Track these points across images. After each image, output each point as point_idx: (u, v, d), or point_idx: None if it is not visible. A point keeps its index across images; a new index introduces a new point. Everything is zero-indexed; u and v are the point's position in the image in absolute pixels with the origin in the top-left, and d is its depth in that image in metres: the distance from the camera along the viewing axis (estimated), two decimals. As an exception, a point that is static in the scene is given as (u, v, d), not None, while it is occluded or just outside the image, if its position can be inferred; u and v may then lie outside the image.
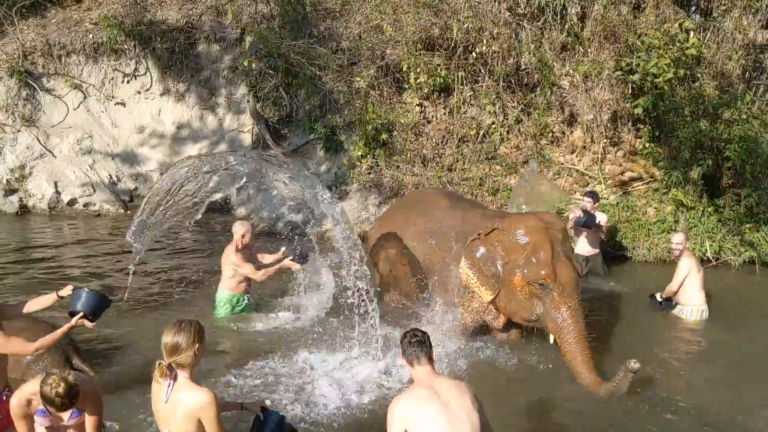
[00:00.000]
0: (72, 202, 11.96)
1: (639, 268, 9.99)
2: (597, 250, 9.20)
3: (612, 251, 10.18)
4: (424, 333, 3.59)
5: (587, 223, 8.73)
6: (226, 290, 6.96)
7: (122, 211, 11.99)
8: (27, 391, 3.77)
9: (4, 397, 4.23)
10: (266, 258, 7.24)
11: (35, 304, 4.52)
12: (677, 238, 7.83)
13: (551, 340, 5.87)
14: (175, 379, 3.26)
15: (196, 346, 3.27)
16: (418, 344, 3.49)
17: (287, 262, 6.95)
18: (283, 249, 7.20)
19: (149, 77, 13.23)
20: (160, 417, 3.37)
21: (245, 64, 12.16)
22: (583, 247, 9.15)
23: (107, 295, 4.76)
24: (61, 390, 3.53)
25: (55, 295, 4.55)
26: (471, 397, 3.41)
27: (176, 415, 3.24)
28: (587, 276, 8.88)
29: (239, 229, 6.85)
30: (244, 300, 7.04)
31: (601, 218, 9.12)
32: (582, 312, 5.71)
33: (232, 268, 6.82)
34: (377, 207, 10.84)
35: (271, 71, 12.11)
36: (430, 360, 3.51)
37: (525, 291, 5.85)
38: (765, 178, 10.26)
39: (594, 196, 9.28)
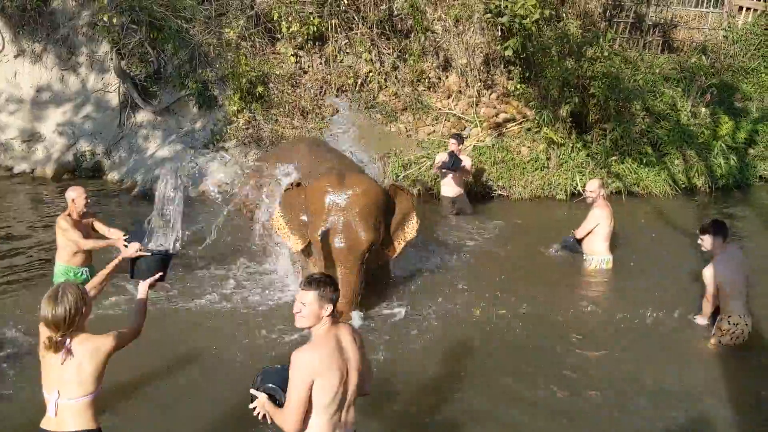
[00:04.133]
0: (-75, 175, 10.94)
1: (516, 205, 10.35)
2: (462, 191, 9.51)
3: (490, 191, 10.52)
4: (333, 277, 3.36)
5: (453, 165, 8.98)
6: (61, 263, 6.14)
7: (-18, 182, 11.08)
8: None
9: None
10: (111, 232, 6.20)
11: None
12: (591, 185, 7.69)
13: None
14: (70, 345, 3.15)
15: (83, 309, 3.15)
16: (333, 290, 3.19)
17: (121, 242, 5.58)
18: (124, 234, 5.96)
19: (0, 38, 12.21)
20: (51, 381, 3.18)
21: (105, 19, 11.39)
22: (449, 189, 9.47)
23: None
24: None
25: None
26: (360, 346, 3.31)
27: (75, 368, 3.13)
28: (457, 215, 9.39)
29: (70, 194, 6.07)
30: (82, 274, 6.10)
31: (466, 162, 9.37)
32: (346, 280, 5.68)
33: (63, 236, 6.04)
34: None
35: (134, 26, 11.42)
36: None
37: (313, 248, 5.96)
38: (627, 112, 10.82)
39: (458, 138, 9.49)
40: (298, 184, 6.09)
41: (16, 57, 12.26)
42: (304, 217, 6.02)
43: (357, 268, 5.74)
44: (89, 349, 3.15)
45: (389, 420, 4.64)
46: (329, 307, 3.15)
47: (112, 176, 11.39)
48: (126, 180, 11.09)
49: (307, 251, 6.11)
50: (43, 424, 3.19)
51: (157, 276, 3.87)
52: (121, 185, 11.08)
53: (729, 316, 5.55)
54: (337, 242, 5.70)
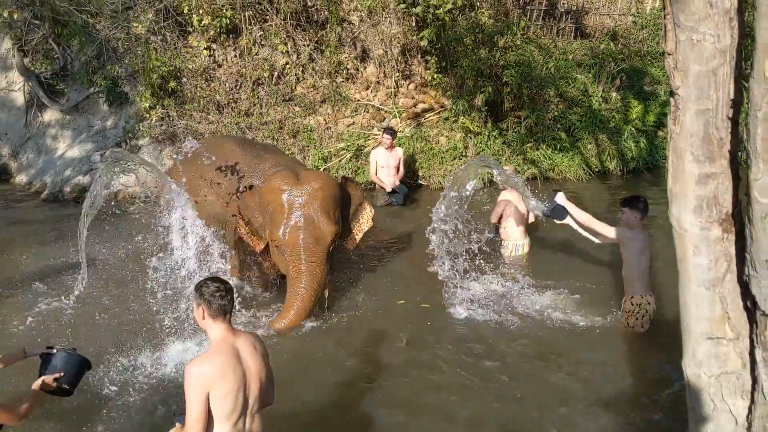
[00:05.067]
0: None
1: (436, 195, 10.38)
2: (398, 182, 9.77)
3: (410, 181, 10.59)
4: (229, 283, 3.30)
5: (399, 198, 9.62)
6: None
7: None
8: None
9: None
10: None
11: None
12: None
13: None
14: None
15: None
16: (227, 296, 3.19)
17: None
18: None
19: None
20: None
21: (6, 15, 10.87)
22: (386, 180, 9.72)
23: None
24: None
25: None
26: (263, 355, 3.34)
27: None
28: (388, 205, 9.65)
29: None
30: None
31: (400, 153, 9.80)
32: (313, 274, 5.78)
33: None
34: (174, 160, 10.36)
35: (37, 21, 10.97)
36: (231, 314, 3.29)
37: (276, 248, 6.02)
38: (540, 99, 11.04)
39: (392, 132, 9.59)
40: (251, 187, 6.12)
41: None
42: (261, 219, 6.08)
43: (323, 260, 5.87)
44: None
45: (295, 428, 4.59)
46: (201, 311, 3.20)
47: (20, 179, 10.98)
48: (35, 182, 10.71)
49: (266, 252, 6.18)
50: None
51: (56, 375, 3.65)
52: (29, 188, 10.70)
53: (631, 297, 5.74)
54: (302, 238, 5.79)
